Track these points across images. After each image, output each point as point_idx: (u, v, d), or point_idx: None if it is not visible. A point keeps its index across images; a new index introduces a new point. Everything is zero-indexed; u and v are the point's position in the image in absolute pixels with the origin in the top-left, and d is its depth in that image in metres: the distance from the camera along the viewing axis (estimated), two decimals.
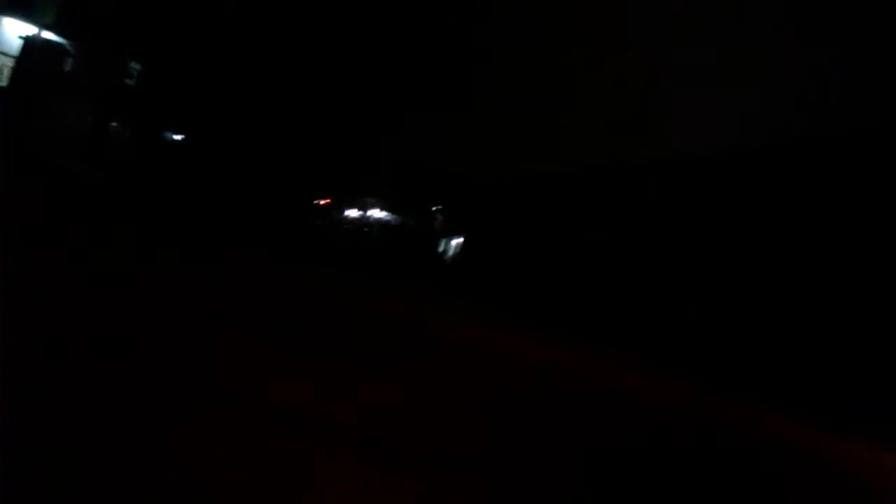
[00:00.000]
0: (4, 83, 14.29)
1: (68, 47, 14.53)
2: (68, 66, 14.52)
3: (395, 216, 40.94)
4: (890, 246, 10.78)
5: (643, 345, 15.03)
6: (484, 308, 12.71)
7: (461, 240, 33.67)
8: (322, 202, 37.22)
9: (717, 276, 15.35)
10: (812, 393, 10.99)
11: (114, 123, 15.20)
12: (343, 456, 2.25)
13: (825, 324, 11.72)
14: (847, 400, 10.56)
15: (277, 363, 3.32)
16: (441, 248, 35.85)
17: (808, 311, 12.18)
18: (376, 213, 41.95)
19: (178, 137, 18.04)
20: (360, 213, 42.74)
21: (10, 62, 14.93)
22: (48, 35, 14.37)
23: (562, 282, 22.22)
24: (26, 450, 1.68)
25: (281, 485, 1.90)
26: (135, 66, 15.47)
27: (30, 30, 14.53)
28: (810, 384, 11.31)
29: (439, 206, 37.67)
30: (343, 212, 41.59)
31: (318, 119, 24.87)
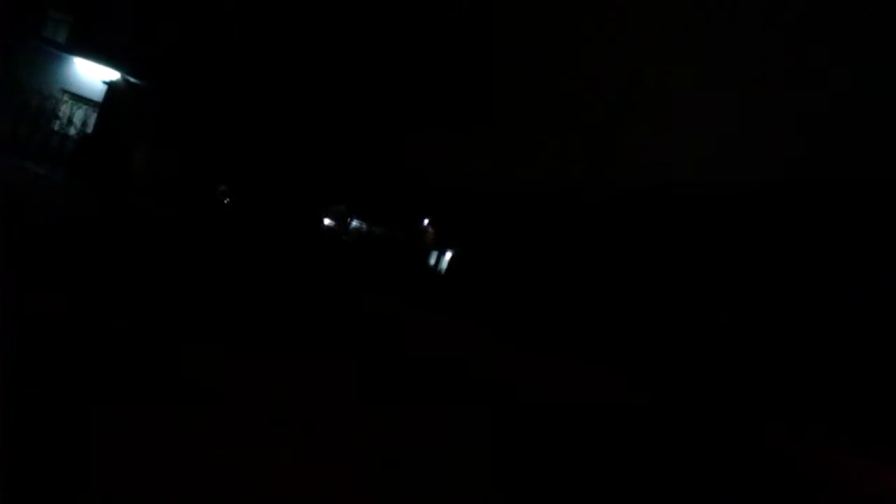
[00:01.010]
0: (90, 130, 13.80)
1: (151, 91, 14.32)
2: (153, 110, 14.33)
3: (379, 227, 41.03)
4: None
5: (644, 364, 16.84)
6: (478, 322, 12.72)
7: (452, 253, 34.95)
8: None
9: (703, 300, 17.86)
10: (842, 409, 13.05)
11: (196, 168, 15.21)
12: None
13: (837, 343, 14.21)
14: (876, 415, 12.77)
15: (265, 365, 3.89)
16: (432, 262, 36.87)
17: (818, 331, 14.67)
18: (356, 223, 41.85)
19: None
20: (337, 222, 42.39)
21: (88, 107, 14.38)
22: (131, 79, 14.05)
23: (559, 299, 23.89)
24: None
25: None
26: (213, 110, 15.52)
27: (109, 74, 14.10)
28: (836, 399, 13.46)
29: (429, 219, 38.45)
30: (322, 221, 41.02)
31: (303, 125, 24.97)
